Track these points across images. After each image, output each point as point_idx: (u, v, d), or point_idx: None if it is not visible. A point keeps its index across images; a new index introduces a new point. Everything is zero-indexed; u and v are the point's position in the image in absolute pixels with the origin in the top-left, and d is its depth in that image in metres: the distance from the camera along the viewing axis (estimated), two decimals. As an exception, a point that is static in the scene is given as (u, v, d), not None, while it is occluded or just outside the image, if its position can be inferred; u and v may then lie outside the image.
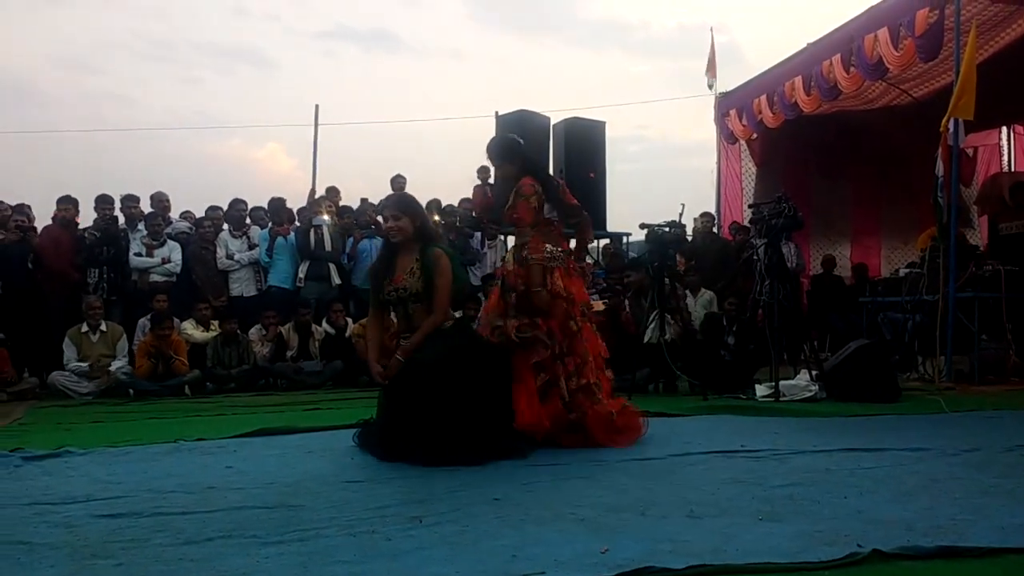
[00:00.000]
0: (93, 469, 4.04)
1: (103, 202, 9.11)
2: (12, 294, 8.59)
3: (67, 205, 8.93)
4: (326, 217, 9.56)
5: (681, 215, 7.30)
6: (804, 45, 10.42)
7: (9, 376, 8.00)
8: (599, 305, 8.19)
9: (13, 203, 9.08)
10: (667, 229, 7.05)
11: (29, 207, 9.14)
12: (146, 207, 9.37)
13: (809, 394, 6.55)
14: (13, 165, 18.23)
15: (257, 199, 10.07)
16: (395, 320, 4.49)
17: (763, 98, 11.15)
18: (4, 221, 8.85)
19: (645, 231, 7.07)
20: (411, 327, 4.29)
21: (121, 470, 4.01)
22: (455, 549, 2.45)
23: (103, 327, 8.29)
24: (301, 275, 9.36)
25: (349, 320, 9.21)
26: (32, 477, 3.87)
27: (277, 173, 26.98)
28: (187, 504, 3.16)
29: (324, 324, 9.13)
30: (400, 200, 4.60)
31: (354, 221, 10.16)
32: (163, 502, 3.21)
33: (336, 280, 9.51)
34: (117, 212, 9.11)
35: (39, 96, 26.84)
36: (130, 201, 9.21)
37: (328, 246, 9.42)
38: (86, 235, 8.76)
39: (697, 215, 10.91)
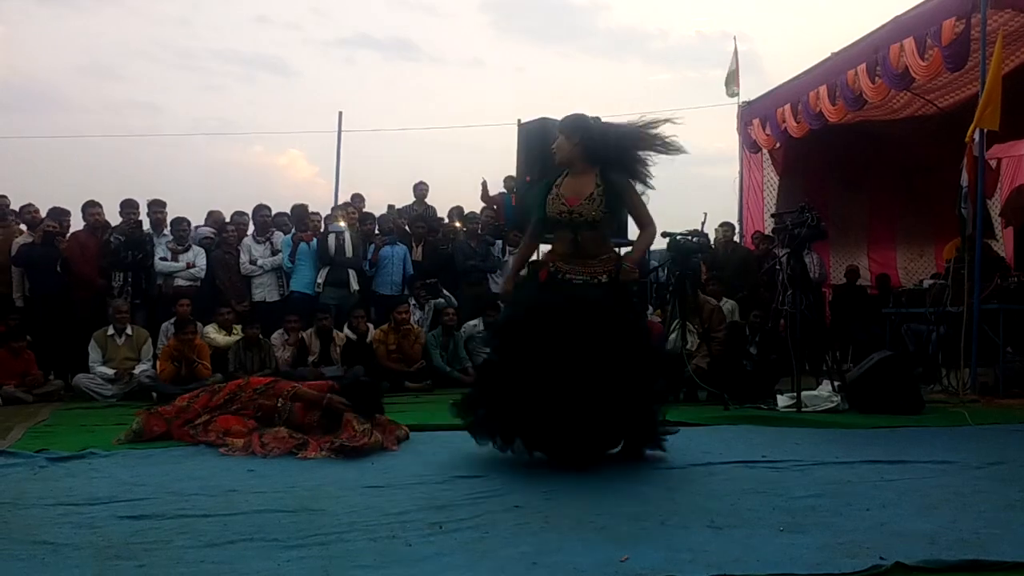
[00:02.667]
0: (116, 471, 4.08)
1: (128, 207, 9.18)
2: (40, 297, 8.70)
3: (96, 209, 9.03)
4: (343, 224, 9.60)
5: (703, 224, 7.29)
6: (828, 55, 10.37)
7: (35, 378, 8.10)
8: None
9: (44, 207, 9.22)
10: (690, 238, 7.03)
11: (68, 212, 9.24)
12: (174, 212, 9.47)
13: (831, 405, 6.51)
14: (40, 170, 18.44)
15: (279, 205, 10.14)
16: (554, 242, 4.26)
17: (787, 107, 11.10)
18: (33, 224, 8.96)
19: (667, 240, 7.05)
20: (578, 253, 4.10)
21: (144, 472, 4.05)
22: (475, 556, 2.46)
23: (128, 331, 8.37)
24: (320, 280, 9.40)
25: (370, 326, 9.24)
26: (56, 478, 3.91)
27: (299, 179, 27.15)
28: (209, 507, 3.19)
29: (345, 329, 9.16)
30: (564, 120, 4.36)
31: (376, 228, 10.20)
32: (185, 504, 3.24)
33: (355, 286, 9.54)
34: (143, 216, 9.19)
35: (65, 102, 27.21)
36: (156, 206, 9.29)
37: (349, 252, 9.46)
38: (111, 239, 8.85)
39: (718, 225, 10.87)
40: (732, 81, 12.44)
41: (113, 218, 9.16)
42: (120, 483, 3.72)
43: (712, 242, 10.37)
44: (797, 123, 10.94)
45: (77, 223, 9.18)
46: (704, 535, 2.68)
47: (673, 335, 7.09)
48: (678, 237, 7.06)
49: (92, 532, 2.84)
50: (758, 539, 2.63)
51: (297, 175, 27.46)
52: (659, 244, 10.25)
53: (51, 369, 8.50)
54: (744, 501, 3.20)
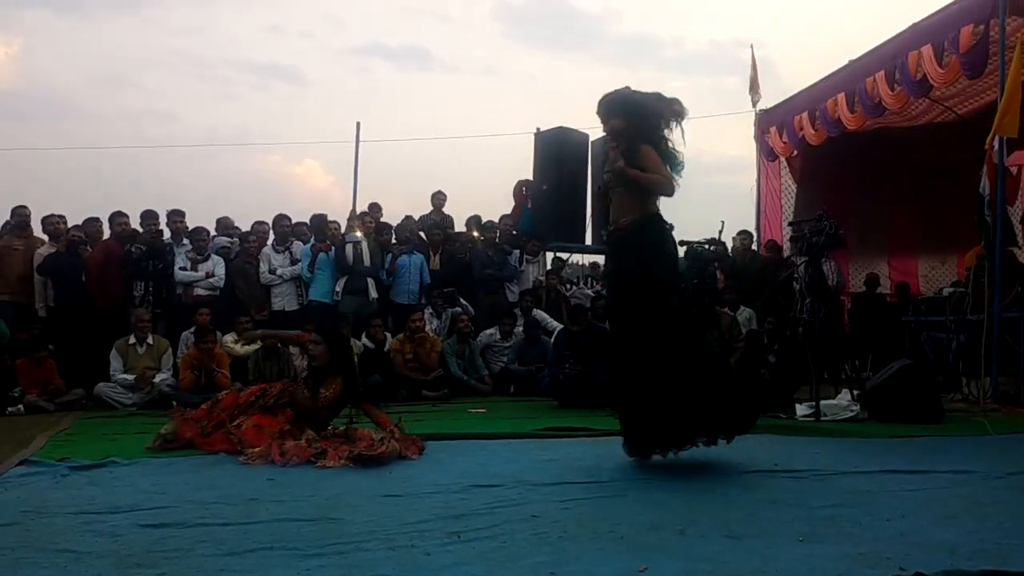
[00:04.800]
0: (138, 479, 4.12)
1: (148, 217, 9.29)
2: (64, 306, 8.81)
3: (123, 219, 9.14)
4: (359, 234, 9.66)
5: (721, 232, 7.29)
6: (846, 62, 10.34)
7: (57, 387, 8.17)
8: None
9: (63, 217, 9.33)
10: (707, 246, 7.03)
11: (99, 220, 9.35)
12: (200, 222, 9.60)
13: (850, 414, 6.46)
14: (59, 181, 18.67)
15: (296, 214, 10.22)
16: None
17: (805, 115, 11.07)
18: (56, 235, 9.07)
19: (684, 248, 7.05)
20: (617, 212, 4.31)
21: (165, 481, 4.08)
22: (493, 565, 2.47)
23: (150, 340, 8.45)
24: (338, 289, 9.45)
25: (388, 335, 9.28)
26: (78, 487, 3.95)
27: (316, 189, 27.33)
28: (229, 515, 3.22)
29: (363, 338, 9.20)
30: (610, 102, 4.38)
31: (393, 237, 10.24)
32: (206, 513, 3.27)
33: (373, 294, 9.59)
34: (163, 226, 9.28)
35: (82, 113, 27.52)
36: (176, 216, 9.40)
37: (367, 261, 9.51)
38: (132, 249, 8.94)
39: (736, 233, 10.85)
40: (754, 88, 12.42)
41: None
42: (141, 491, 3.75)
43: (729, 250, 10.37)
44: (815, 130, 10.91)
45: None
46: (722, 545, 2.68)
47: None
48: (695, 245, 7.05)
49: (114, 540, 2.86)
50: (777, 549, 2.62)
51: (314, 184, 27.65)
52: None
53: (73, 378, 8.57)
54: (763, 511, 3.19)
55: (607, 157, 4.53)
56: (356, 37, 36.00)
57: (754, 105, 12.41)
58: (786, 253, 10.44)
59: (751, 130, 12.71)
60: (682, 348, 4.09)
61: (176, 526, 3.04)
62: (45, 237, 9.22)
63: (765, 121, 12.35)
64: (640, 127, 4.27)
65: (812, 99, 11.00)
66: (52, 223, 9.20)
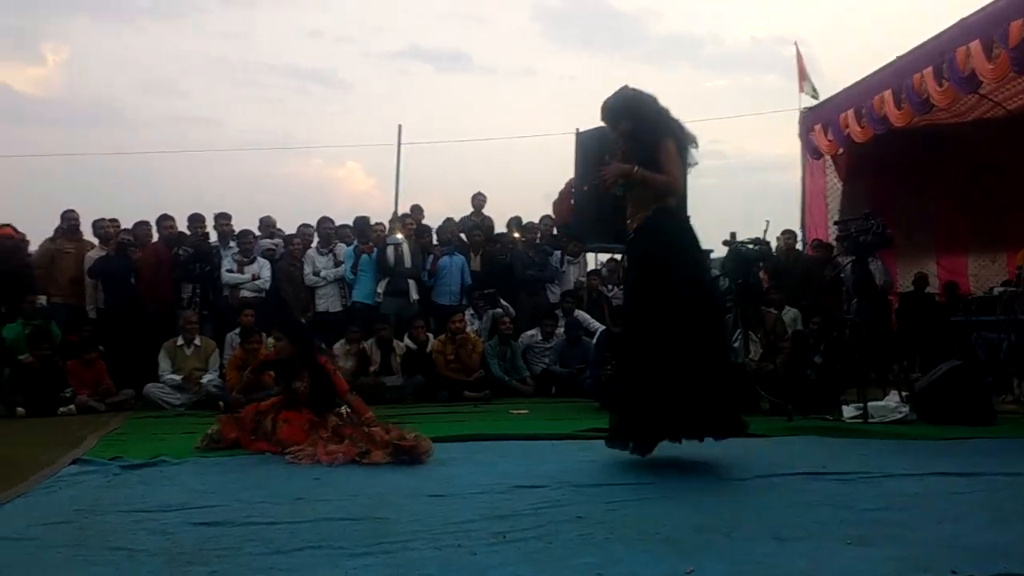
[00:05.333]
0: (187, 479, 4.20)
1: (195, 221, 9.47)
2: (114, 308, 9.00)
3: (170, 222, 9.32)
4: (400, 236, 9.73)
5: (766, 231, 7.20)
6: (893, 58, 10.16)
7: (108, 388, 8.35)
8: None
9: (123, 221, 9.57)
10: (751, 246, 6.95)
11: (150, 225, 9.55)
12: (248, 223, 9.77)
13: (899, 416, 6.36)
14: (106, 185, 19.02)
15: (337, 217, 10.33)
16: None
17: (850, 112, 10.89)
18: (106, 238, 9.26)
19: (728, 248, 6.97)
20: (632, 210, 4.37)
21: (213, 480, 4.15)
22: (539, 566, 2.47)
23: (197, 341, 8.60)
24: (380, 291, 9.53)
25: (430, 336, 9.33)
26: (130, 486, 4.03)
27: (356, 192, 27.48)
28: (277, 514, 3.26)
29: (406, 339, 9.27)
30: (612, 106, 4.46)
31: (433, 240, 10.28)
32: (253, 512, 3.31)
33: (415, 296, 9.66)
34: (209, 229, 9.44)
35: (127, 119, 28.03)
36: (222, 219, 9.57)
37: (408, 263, 9.57)
38: (180, 252, 9.10)
39: (780, 232, 10.72)
40: (804, 83, 12.27)
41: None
42: (191, 490, 3.82)
43: (774, 250, 10.25)
44: (861, 128, 10.73)
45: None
46: (769, 548, 2.65)
47: (736, 344, 7.01)
48: (739, 245, 6.98)
49: (165, 538, 2.92)
50: (825, 552, 2.59)
51: (355, 187, 27.82)
52: (720, 252, 10.18)
53: (122, 379, 8.74)
54: (810, 513, 3.16)
55: (605, 156, 4.58)
56: (395, 40, 36.14)
57: (815, 94, 12.20)
58: (833, 252, 10.30)
59: (795, 128, 12.55)
60: (697, 339, 4.09)
61: (225, 524, 3.09)
62: (96, 241, 9.43)
63: (810, 119, 12.18)
64: (647, 123, 4.32)
65: (858, 96, 10.82)
66: (102, 227, 9.41)
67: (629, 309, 4.43)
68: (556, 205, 11.21)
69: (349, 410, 5.37)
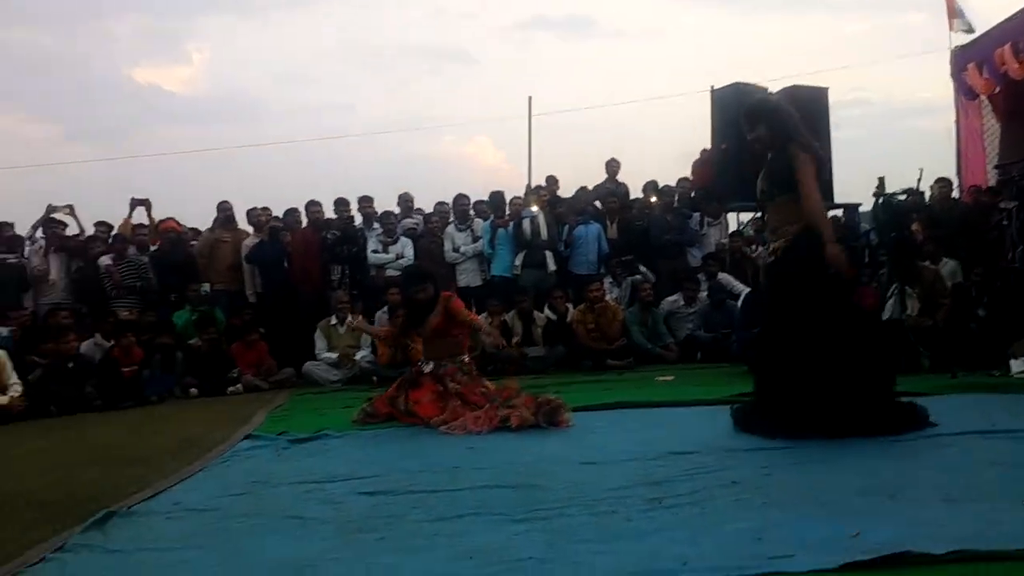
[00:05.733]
0: (349, 451, 4.41)
1: (341, 204, 9.85)
2: (270, 292, 9.51)
3: (317, 207, 9.73)
4: (535, 208, 9.76)
5: (919, 181, 6.82)
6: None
7: (270, 367, 8.84)
8: None
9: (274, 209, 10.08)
10: (904, 197, 6.61)
11: (299, 211, 10.01)
12: (386, 204, 10.07)
13: (1073, 369, 5.93)
14: (254, 176, 20.03)
15: (470, 193, 10.45)
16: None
17: (1007, 48, 10.11)
18: (259, 226, 9.76)
19: (880, 200, 6.65)
20: (767, 225, 4.38)
21: (374, 452, 4.35)
22: (697, 531, 2.46)
23: (349, 319, 8.97)
24: (518, 263, 9.62)
25: (569, 306, 9.36)
26: (298, 458, 4.27)
27: (487, 166, 27.79)
28: (436, 483, 3.38)
29: (546, 310, 9.34)
30: (750, 110, 4.45)
31: (567, 209, 10.27)
32: (414, 481, 3.44)
33: (552, 267, 9.69)
34: (354, 212, 9.80)
35: (267, 111, 29.31)
36: (365, 202, 9.92)
37: (544, 235, 9.61)
38: (328, 236, 9.50)
39: (933, 181, 10.11)
40: (958, 17, 11.48)
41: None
42: (354, 462, 4.01)
43: (927, 200, 9.70)
44: (1019, 63, 9.96)
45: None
46: (939, 509, 2.54)
47: (891, 301, 6.70)
48: (891, 197, 6.64)
49: (334, 508, 3.08)
50: (1000, 513, 2.46)
51: (485, 162, 28.14)
52: (869, 206, 9.69)
53: (282, 358, 9.22)
54: (981, 473, 3.01)
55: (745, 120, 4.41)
56: (519, 11, 36.20)
57: (969, 29, 11.42)
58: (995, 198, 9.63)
59: (946, 69, 11.78)
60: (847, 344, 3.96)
61: (389, 493, 3.23)
62: (250, 229, 9.95)
63: (962, 57, 11.39)
64: (786, 133, 4.20)
65: (1014, 30, 10.03)
66: (256, 215, 9.91)
67: (769, 331, 4.33)
68: (696, 167, 11.02)
69: (467, 360, 5.59)
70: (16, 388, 7.18)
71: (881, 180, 6.64)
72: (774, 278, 4.29)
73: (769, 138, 4.25)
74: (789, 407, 3.92)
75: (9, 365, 7.25)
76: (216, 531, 2.80)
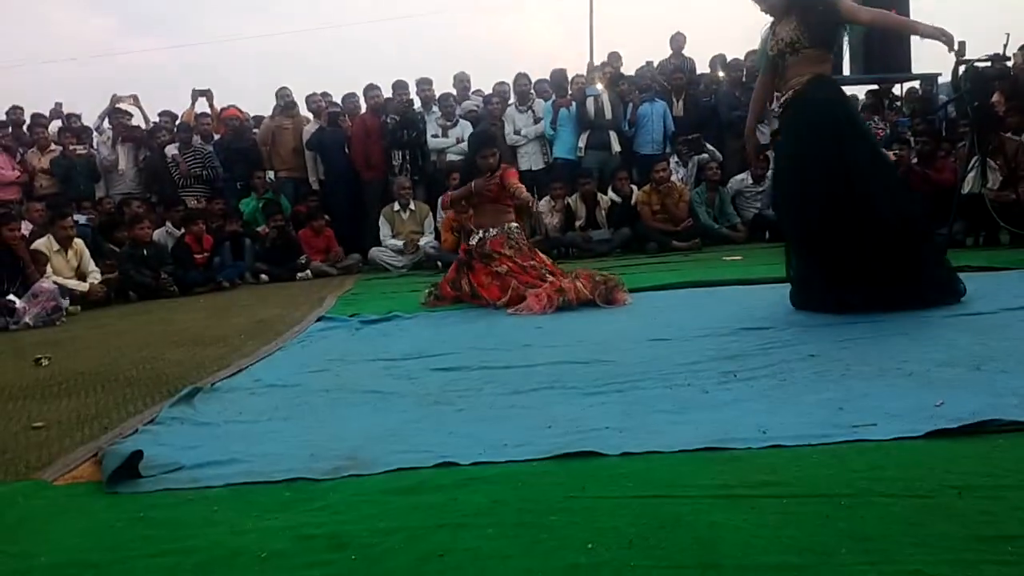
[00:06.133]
0: (421, 331, 4.48)
1: (399, 88, 9.71)
2: (333, 179, 9.56)
3: (376, 92, 9.62)
4: (599, 86, 9.50)
5: (1005, 47, 6.39)
6: None
7: (337, 254, 8.97)
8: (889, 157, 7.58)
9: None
10: (989, 64, 6.23)
11: (357, 96, 9.94)
12: (444, 88, 9.91)
13: None
14: (312, 61, 19.91)
15: (532, 74, 10.17)
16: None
17: None
18: (318, 112, 9.73)
19: (962, 68, 6.28)
20: (785, 81, 4.08)
21: (445, 331, 4.41)
22: (775, 402, 2.44)
23: (412, 206, 9.01)
24: (581, 145, 9.44)
25: (634, 187, 9.21)
26: (371, 338, 4.36)
27: (548, 46, 27.06)
28: (508, 360, 3.41)
29: (610, 192, 9.22)
30: None
31: (631, 87, 9.97)
32: (486, 358, 3.49)
33: (616, 148, 9.49)
34: (413, 96, 9.67)
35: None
36: (424, 84, 9.75)
37: (608, 114, 9.38)
38: (387, 120, 9.42)
39: (1019, 47, 9.52)
40: None
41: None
42: (426, 340, 4.07)
43: (1012, 68, 9.17)
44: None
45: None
46: (1027, 380, 2.47)
47: (971, 174, 6.43)
48: (974, 64, 6.26)
49: (411, 382, 3.14)
50: (1094, 384, 2.39)
51: (545, 42, 27.41)
52: (948, 76, 9.19)
53: (347, 244, 9.33)
54: (1069, 345, 2.91)
55: None
56: None
57: None
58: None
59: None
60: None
61: (463, 369, 3.28)
62: (310, 115, 9.92)
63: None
64: None
65: None
66: (315, 101, 9.87)
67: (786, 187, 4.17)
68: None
69: (515, 227, 5.56)
70: (95, 275, 7.44)
71: (962, 45, 6.22)
72: (793, 127, 4.07)
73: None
74: (824, 280, 3.85)
75: (87, 253, 7.49)
76: (299, 404, 2.89)
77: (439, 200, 9.02)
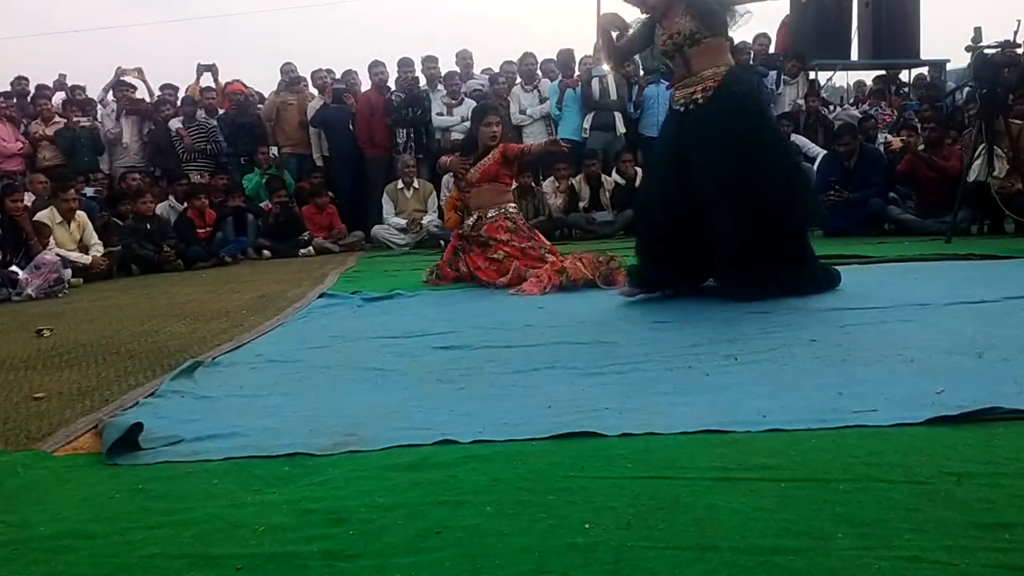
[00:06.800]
0: (423, 309, 4.48)
1: (404, 65, 9.65)
2: (336, 156, 9.53)
3: (380, 68, 9.58)
4: (605, 67, 9.43)
5: (1016, 33, 6.36)
6: None
7: (340, 231, 8.96)
8: (896, 143, 7.55)
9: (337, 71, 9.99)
10: (999, 50, 6.19)
11: (356, 73, 9.93)
12: (447, 66, 9.82)
13: None
14: (319, 36, 19.83)
15: (538, 53, 10.10)
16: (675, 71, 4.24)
17: None
18: (323, 88, 9.68)
19: (971, 54, 6.25)
20: (690, 73, 4.00)
21: (447, 310, 4.41)
22: (776, 386, 2.44)
23: (416, 184, 8.99)
24: (586, 126, 9.39)
25: (638, 170, 9.17)
26: (373, 315, 4.36)
27: (554, 25, 26.93)
28: (510, 339, 3.41)
29: (614, 174, 9.18)
30: None
31: (637, 68, 9.91)
32: (488, 337, 3.49)
33: (621, 129, 9.44)
34: (418, 74, 9.61)
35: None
36: (430, 62, 9.69)
37: (613, 95, 9.33)
38: (392, 97, 9.38)
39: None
40: None
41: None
42: (428, 319, 4.07)
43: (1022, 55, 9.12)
44: None
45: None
46: (1030, 368, 2.47)
47: (978, 161, 6.40)
48: (985, 50, 6.23)
49: (412, 360, 3.14)
50: (1094, 371, 2.39)
51: (551, 21, 27.25)
52: (957, 63, 9.16)
53: (350, 222, 9.32)
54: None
55: None
56: None
57: None
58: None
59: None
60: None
61: (465, 348, 3.28)
62: (315, 91, 9.87)
63: None
64: None
65: None
66: (320, 77, 9.82)
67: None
68: (780, 33, 10.47)
69: (512, 208, 5.52)
70: (98, 248, 7.43)
71: (977, 30, 6.19)
72: (700, 122, 3.96)
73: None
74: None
75: (90, 225, 7.48)
76: (300, 380, 2.89)
77: (437, 162, 9.02)
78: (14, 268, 6.28)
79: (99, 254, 7.36)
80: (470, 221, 5.50)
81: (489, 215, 5.42)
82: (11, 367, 3.46)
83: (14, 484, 1.98)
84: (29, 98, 9.90)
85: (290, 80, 9.82)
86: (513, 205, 5.56)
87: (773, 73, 9.70)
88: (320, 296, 5.04)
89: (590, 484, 1.75)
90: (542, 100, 9.57)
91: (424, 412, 2.37)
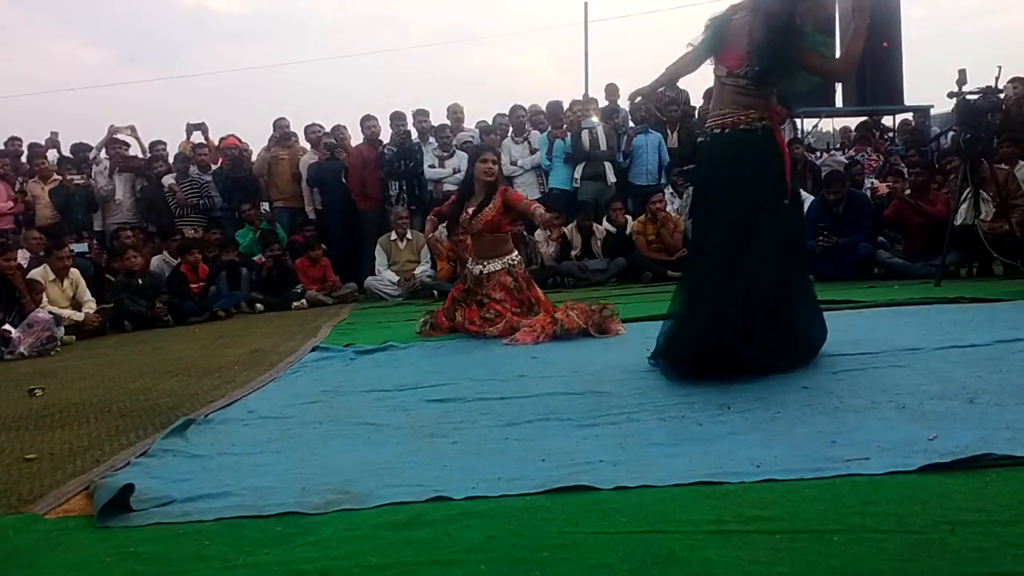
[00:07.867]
0: (416, 361, 4.47)
1: (397, 119, 9.75)
2: (330, 209, 9.59)
3: (372, 123, 9.69)
4: (594, 119, 9.56)
5: (997, 79, 6.47)
6: None
7: (333, 283, 8.98)
8: (882, 188, 7.61)
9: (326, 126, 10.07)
10: (980, 96, 6.30)
11: (345, 127, 10.03)
12: (439, 119, 9.94)
13: None
14: (301, 93, 20.09)
15: (526, 106, 10.20)
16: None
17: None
18: (316, 143, 9.78)
19: (954, 100, 6.36)
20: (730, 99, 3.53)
21: (439, 361, 4.40)
22: (769, 435, 2.44)
23: (408, 235, 9.03)
24: (577, 176, 9.49)
25: (628, 218, 9.25)
26: (366, 368, 4.35)
27: (540, 79, 27.35)
28: (503, 391, 3.41)
29: (605, 223, 9.25)
30: None
31: (625, 120, 10.03)
32: (482, 389, 3.48)
33: (612, 179, 9.53)
34: (410, 127, 9.72)
35: (314, 26, 29.11)
36: (421, 115, 9.80)
37: (603, 145, 9.44)
38: (385, 151, 9.47)
39: (1008, 80, 9.60)
40: None
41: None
42: (421, 371, 4.07)
43: (1004, 100, 9.27)
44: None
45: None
46: (1020, 412, 2.47)
47: (964, 205, 6.48)
48: (967, 96, 6.34)
49: (405, 414, 3.13)
50: (1090, 418, 2.39)
51: (538, 75, 27.66)
52: (942, 108, 9.29)
53: (343, 273, 9.34)
54: (1067, 379, 2.91)
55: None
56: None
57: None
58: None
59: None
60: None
61: (458, 400, 3.27)
62: (307, 146, 9.97)
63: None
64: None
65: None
66: (313, 131, 9.93)
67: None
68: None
69: (515, 260, 5.46)
70: (91, 304, 7.43)
71: (962, 72, 6.28)
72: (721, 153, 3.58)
73: None
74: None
75: (83, 283, 7.48)
76: (292, 436, 2.88)
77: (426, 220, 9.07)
78: (7, 326, 6.26)
79: (92, 311, 7.36)
80: (475, 272, 5.43)
81: (494, 268, 5.40)
82: (3, 427, 3.44)
83: (5, 548, 1.96)
84: (23, 157, 9.97)
85: (281, 135, 9.91)
86: (516, 255, 5.52)
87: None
88: (313, 349, 5.04)
89: (584, 540, 1.74)
90: (532, 151, 9.68)
91: (417, 468, 2.36)
